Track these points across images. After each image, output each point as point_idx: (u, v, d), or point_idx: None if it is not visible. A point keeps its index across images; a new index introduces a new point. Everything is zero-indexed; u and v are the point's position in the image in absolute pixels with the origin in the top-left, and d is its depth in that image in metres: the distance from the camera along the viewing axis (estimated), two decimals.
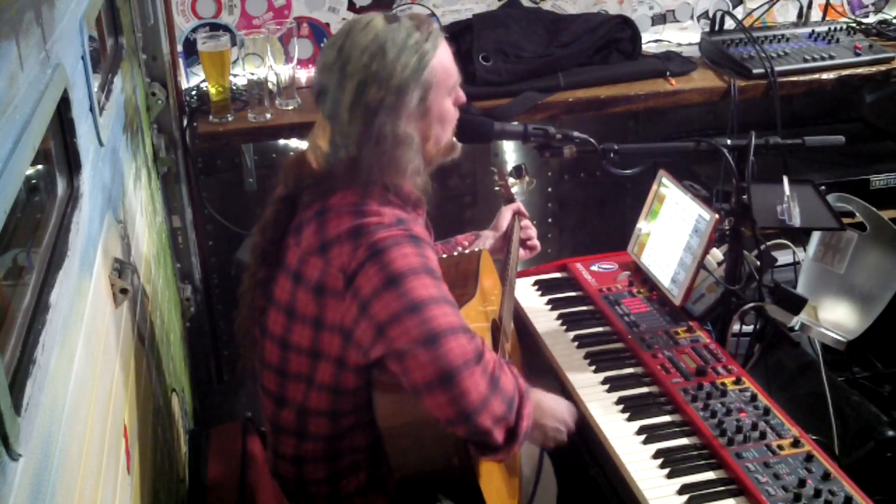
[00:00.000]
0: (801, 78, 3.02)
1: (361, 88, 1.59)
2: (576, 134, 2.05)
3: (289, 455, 1.76)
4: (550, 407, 1.77)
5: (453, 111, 1.74)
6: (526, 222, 2.28)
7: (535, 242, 2.28)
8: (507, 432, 1.55)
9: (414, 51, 1.61)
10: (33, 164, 1.14)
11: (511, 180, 2.36)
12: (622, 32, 3.03)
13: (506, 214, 2.26)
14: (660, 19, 3.38)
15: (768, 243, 2.20)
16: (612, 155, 2.05)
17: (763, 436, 1.78)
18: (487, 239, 2.23)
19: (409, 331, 1.49)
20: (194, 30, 2.95)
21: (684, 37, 3.39)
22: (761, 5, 3.38)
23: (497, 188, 2.40)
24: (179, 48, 2.87)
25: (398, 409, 1.60)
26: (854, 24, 3.33)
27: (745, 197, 2.02)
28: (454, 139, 1.78)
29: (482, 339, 1.55)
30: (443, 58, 1.67)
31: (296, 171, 1.71)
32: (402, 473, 1.67)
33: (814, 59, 3.05)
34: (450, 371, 1.48)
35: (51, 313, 1.11)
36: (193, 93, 2.86)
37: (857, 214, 2.48)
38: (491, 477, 1.71)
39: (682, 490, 1.69)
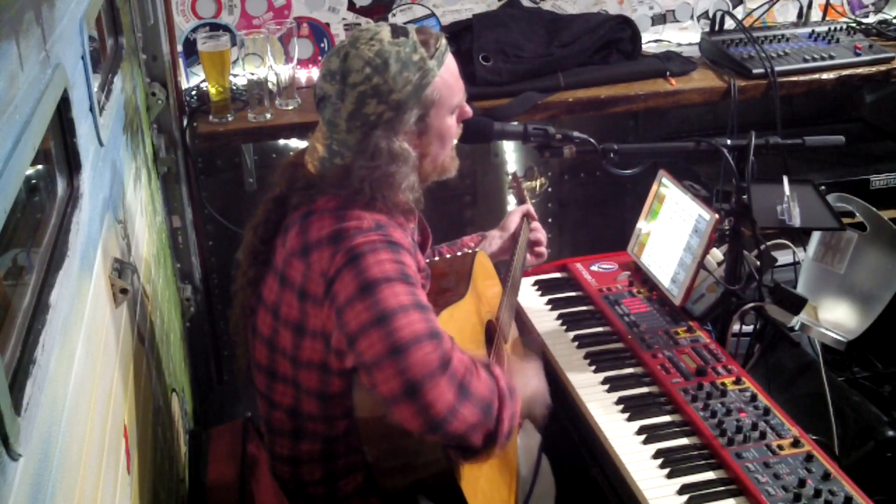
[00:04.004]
0: (801, 78, 3.02)
1: (361, 101, 1.59)
2: (576, 134, 2.05)
3: (284, 456, 1.76)
4: (538, 394, 1.77)
5: (454, 129, 1.73)
6: (536, 225, 2.27)
7: (543, 249, 2.26)
8: (485, 436, 1.52)
9: (417, 68, 1.60)
10: (33, 164, 1.14)
11: (524, 182, 2.36)
12: (622, 32, 3.03)
13: (515, 216, 2.24)
14: (660, 19, 3.38)
15: (768, 243, 2.20)
16: (612, 155, 2.05)
17: (763, 436, 1.78)
18: (494, 239, 2.22)
19: (375, 344, 1.47)
20: (194, 30, 2.95)
21: (684, 37, 3.39)
22: (761, 5, 3.38)
23: (510, 189, 2.40)
24: (179, 48, 2.87)
25: (378, 404, 1.59)
26: (854, 24, 3.33)
27: (745, 197, 2.02)
28: (453, 156, 1.77)
29: (451, 344, 1.51)
30: (447, 76, 1.65)
31: (290, 173, 1.71)
32: (380, 469, 1.67)
33: (814, 59, 3.05)
34: (413, 383, 1.45)
35: (51, 313, 1.11)
36: (193, 93, 2.86)
37: (857, 214, 2.48)
38: (477, 478, 1.70)
39: (682, 490, 1.69)
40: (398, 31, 1.63)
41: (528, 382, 1.76)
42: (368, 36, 1.62)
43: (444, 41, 1.67)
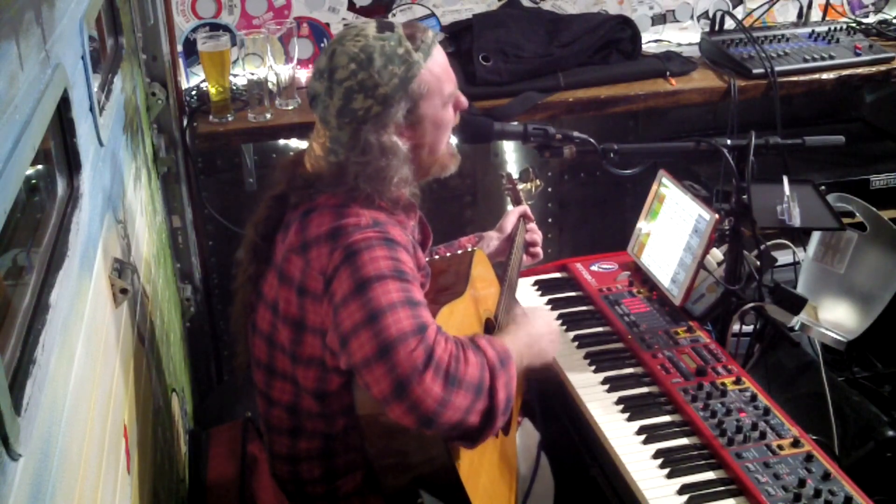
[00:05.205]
0: (801, 78, 3.02)
1: (349, 97, 1.60)
2: (576, 134, 2.05)
3: (283, 454, 1.76)
4: (537, 329, 1.79)
5: (450, 117, 1.73)
6: (532, 226, 2.28)
7: (538, 250, 2.27)
8: (482, 413, 1.52)
9: (402, 61, 1.61)
10: (33, 164, 1.14)
11: (520, 184, 2.37)
12: (622, 32, 3.03)
13: (511, 217, 2.25)
14: (660, 19, 3.38)
15: (768, 243, 2.20)
16: (612, 155, 2.05)
17: (763, 436, 1.78)
18: (492, 240, 2.22)
19: (364, 345, 1.48)
20: (194, 30, 2.95)
21: (684, 37, 3.39)
22: (761, 5, 3.38)
23: (506, 191, 2.40)
24: (179, 48, 2.87)
25: (377, 403, 1.59)
26: (854, 24, 3.33)
27: (745, 197, 2.02)
28: (451, 153, 1.77)
29: (435, 335, 1.50)
30: (434, 68, 1.66)
31: (289, 172, 1.72)
32: (381, 467, 1.67)
33: (814, 59, 3.06)
34: (400, 382, 1.45)
35: (51, 313, 1.11)
36: (193, 93, 2.86)
37: (857, 214, 2.48)
38: (478, 474, 1.70)
39: (682, 490, 1.69)
40: (384, 27, 1.64)
41: (528, 325, 1.79)
42: (354, 32, 1.63)
43: (430, 34, 1.68)
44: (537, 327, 1.80)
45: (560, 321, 2.25)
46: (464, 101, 1.77)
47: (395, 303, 1.50)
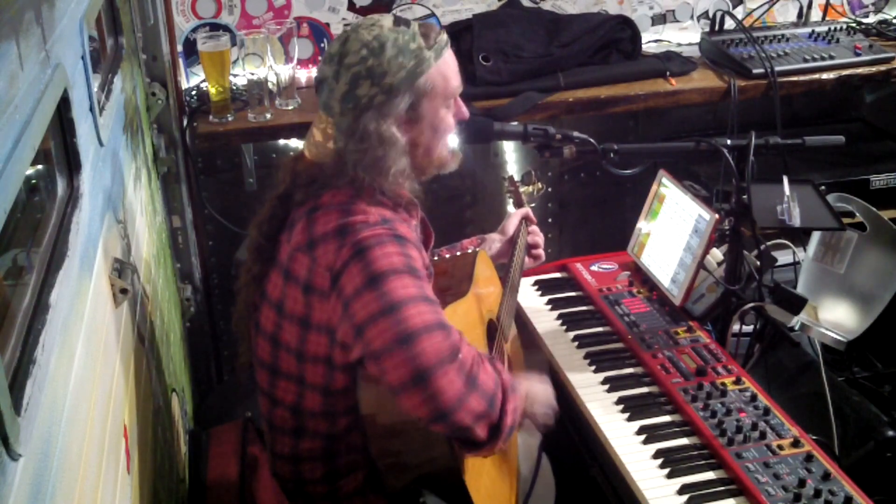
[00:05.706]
0: (801, 78, 3.02)
1: (355, 82, 1.61)
2: (576, 134, 2.05)
3: (285, 454, 1.76)
4: (539, 394, 1.78)
5: (449, 122, 1.73)
6: (534, 228, 2.28)
7: (541, 252, 2.28)
8: (490, 428, 1.54)
9: (413, 55, 1.62)
10: (33, 164, 1.14)
11: (522, 187, 2.37)
12: (622, 32, 3.03)
13: (514, 219, 2.25)
14: (660, 19, 3.38)
15: (768, 243, 2.20)
16: (612, 155, 2.05)
17: (763, 436, 1.78)
18: (494, 242, 2.23)
19: (384, 332, 1.49)
20: (194, 30, 2.95)
21: (684, 37, 3.39)
22: (761, 5, 3.38)
23: (508, 194, 2.40)
24: (179, 48, 2.87)
25: (383, 399, 1.60)
26: (854, 24, 3.33)
27: (745, 197, 2.02)
28: (451, 151, 1.78)
29: (459, 335, 1.53)
30: (443, 68, 1.67)
31: (292, 168, 1.72)
32: (385, 466, 1.68)
33: (814, 59, 3.05)
34: (423, 371, 1.46)
35: (51, 313, 1.11)
36: (193, 93, 2.86)
37: (857, 214, 2.48)
38: (480, 474, 1.70)
39: (682, 490, 1.69)
40: (400, 21, 1.66)
41: (532, 383, 1.78)
42: (370, 22, 1.65)
43: (444, 36, 1.69)
44: (535, 389, 1.78)
45: (560, 321, 2.25)
46: (465, 111, 1.77)
47: (415, 296, 1.51)
